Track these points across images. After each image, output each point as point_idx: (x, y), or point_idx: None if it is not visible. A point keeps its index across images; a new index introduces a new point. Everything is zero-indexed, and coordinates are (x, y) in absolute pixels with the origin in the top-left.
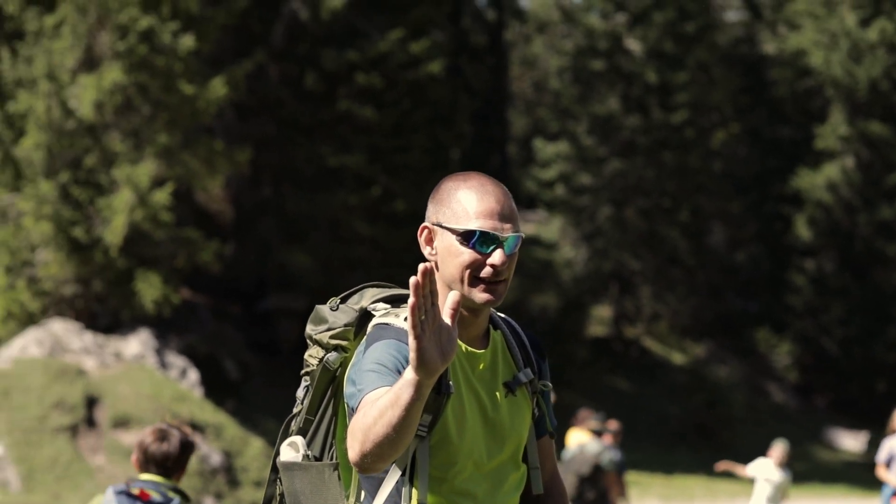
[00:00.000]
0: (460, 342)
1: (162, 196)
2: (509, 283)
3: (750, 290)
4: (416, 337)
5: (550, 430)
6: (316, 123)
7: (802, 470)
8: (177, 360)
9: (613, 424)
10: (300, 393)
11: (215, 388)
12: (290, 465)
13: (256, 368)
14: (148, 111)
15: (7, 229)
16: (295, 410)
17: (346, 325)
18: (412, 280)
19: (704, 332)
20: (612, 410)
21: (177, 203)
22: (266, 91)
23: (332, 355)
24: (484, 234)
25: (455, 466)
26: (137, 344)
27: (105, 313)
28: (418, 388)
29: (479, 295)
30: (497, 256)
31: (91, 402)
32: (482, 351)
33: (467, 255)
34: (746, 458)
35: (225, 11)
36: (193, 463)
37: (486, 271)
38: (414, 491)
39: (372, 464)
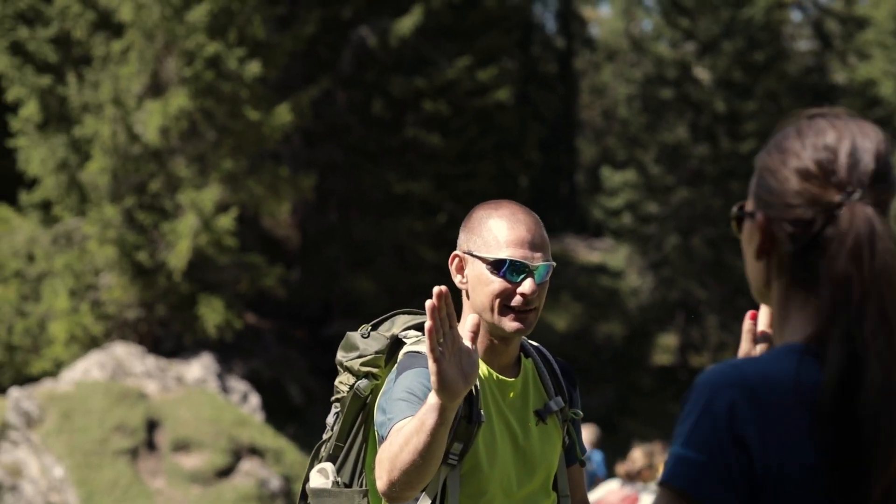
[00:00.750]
0: (491, 370)
1: (226, 221)
2: (539, 312)
3: None
4: (436, 360)
5: (581, 458)
6: (383, 150)
7: None
8: (238, 385)
9: None
10: (330, 419)
11: (279, 413)
12: (320, 492)
13: (320, 394)
14: (213, 137)
15: (72, 253)
16: (325, 436)
17: (376, 353)
18: (428, 303)
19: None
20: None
21: (243, 228)
22: (333, 117)
23: (363, 382)
24: (514, 263)
25: (486, 495)
26: (199, 368)
27: (168, 337)
28: (442, 412)
29: (510, 324)
30: (527, 285)
31: (152, 426)
32: (513, 379)
33: (497, 283)
34: None
35: (292, 38)
36: (252, 487)
37: (517, 300)
38: None
39: (400, 492)
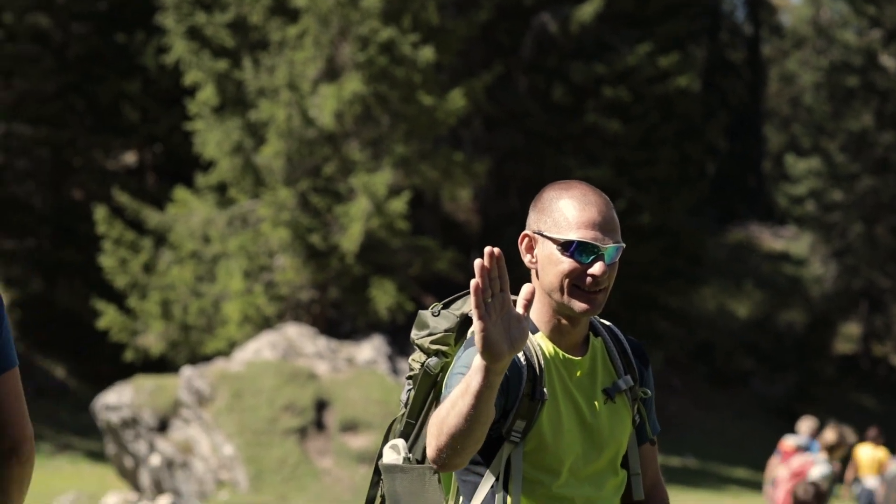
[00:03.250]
0: (558, 349)
1: (398, 205)
2: (608, 293)
3: None
4: (480, 317)
5: (651, 436)
6: (563, 136)
7: None
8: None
9: None
10: (403, 396)
11: None
12: (392, 468)
13: None
14: (387, 121)
15: (246, 235)
16: (399, 413)
17: (446, 331)
18: (477, 262)
19: None
20: (858, 429)
21: (423, 212)
22: (514, 103)
23: (433, 360)
24: (584, 245)
25: (551, 472)
26: (370, 349)
27: (342, 319)
28: (486, 374)
29: (578, 304)
30: (597, 267)
31: (321, 406)
32: (580, 358)
33: (567, 264)
34: None
35: (466, 24)
36: None
37: (586, 281)
38: (508, 497)
39: (448, 459)
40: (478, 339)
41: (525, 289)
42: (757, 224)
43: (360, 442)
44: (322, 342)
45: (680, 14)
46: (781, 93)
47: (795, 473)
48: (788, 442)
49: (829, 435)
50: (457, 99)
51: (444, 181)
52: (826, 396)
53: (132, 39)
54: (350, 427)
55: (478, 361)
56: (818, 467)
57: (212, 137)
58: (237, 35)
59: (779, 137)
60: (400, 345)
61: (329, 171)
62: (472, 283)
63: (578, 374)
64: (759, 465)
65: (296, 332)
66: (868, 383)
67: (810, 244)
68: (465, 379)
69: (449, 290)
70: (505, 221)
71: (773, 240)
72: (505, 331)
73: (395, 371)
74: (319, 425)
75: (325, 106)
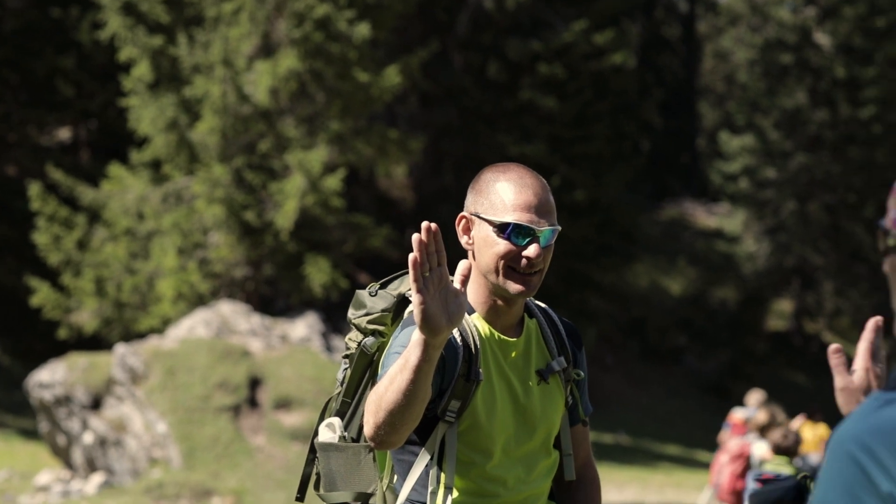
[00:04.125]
0: (493, 330)
1: (333, 182)
2: (543, 275)
3: None
4: (419, 291)
5: (584, 417)
6: (498, 112)
7: None
8: (342, 344)
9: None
10: (339, 375)
11: None
12: (327, 446)
13: None
14: (322, 98)
15: (180, 211)
16: (335, 392)
17: (383, 311)
18: (414, 236)
19: (887, 328)
20: (790, 405)
21: (357, 189)
22: (450, 80)
23: (370, 340)
24: (520, 227)
25: (484, 452)
26: (304, 327)
27: (276, 296)
28: (425, 348)
29: (513, 286)
30: (532, 249)
31: (254, 384)
32: (515, 339)
33: (503, 245)
34: None
35: (402, 0)
36: None
37: (521, 263)
38: (442, 475)
39: (386, 436)
40: (416, 312)
41: (462, 264)
42: (690, 201)
43: (293, 419)
44: (256, 319)
45: None
46: (716, 70)
47: (735, 456)
48: (737, 414)
49: (760, 416)
50: (392, 76)
51: (380, 158)
52: (758, 373)
53: (67, 14)
54: (283, 404)
55: (416, 336)
56: (758, 445)
57: (146, 114)
58: (172, 11)
59: (713, 114)
60: (334, 322)
61: (264, 148)
62: (410, 257)
63: (513, 355)
64: (692, 441)
65: (229, 310)
66: (800, 360)
67: (743, 221)
68: (404, 354)
69: (383, 267)
70: (439, 198)
71: (707, 217)
72: (443, 305)
73: (328, 349)
74: (253, 403)
75: (261, 82)
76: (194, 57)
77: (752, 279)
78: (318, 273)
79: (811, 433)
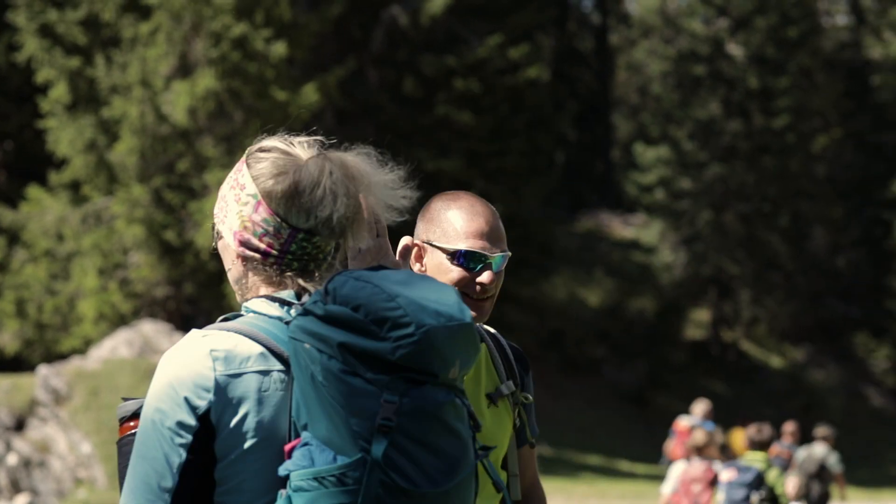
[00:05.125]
0: None
1: None
2: (494, 300)
3: (850, 294)
4: None
5: (531, 439)
6: (414, 128)
7: None
8: None
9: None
10: None
11: None
12: None
13: None
14: (240, 117)
15: (100, 232)
16: None
17: None
18: None
19: (803, 336)
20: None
21: None
22: (365, 96)
23: None
24: (472, 254)
25: None
26: None
27: (195, 314)
28: None
29: None
30: (486, 275)
31: None
32: None
33: (456, 272)
34: (845, 462)
35: (319, 18)
36: None
37: (475, 289)
38: None
39: None
40: None
41: (403, 240)
42: (606, 212)
43: None
44: (178, 338)
45: (529, 5)
46: (629, 81)
47: (707, 484)
48: (683, 423)
49: (698, 436)
50: (310, 94)
51: None
52: (677, 382)
53: None
54: None
55: None
56: (724, 473)
57: (65, 135)
58: (89, 32)
59: (627, 126)
60: None
61: (183, 168)
62: None
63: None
64: (612, 451)
65: (152, 329)
66: (718, 368)
67: (660, 232)
68: None
69: None
70: None
71: (623, 228)
72: None
73: None
74: None
75: (178, 102)
76: (112, 78)
77: (670, 289)
78: None
79: (740, 438)
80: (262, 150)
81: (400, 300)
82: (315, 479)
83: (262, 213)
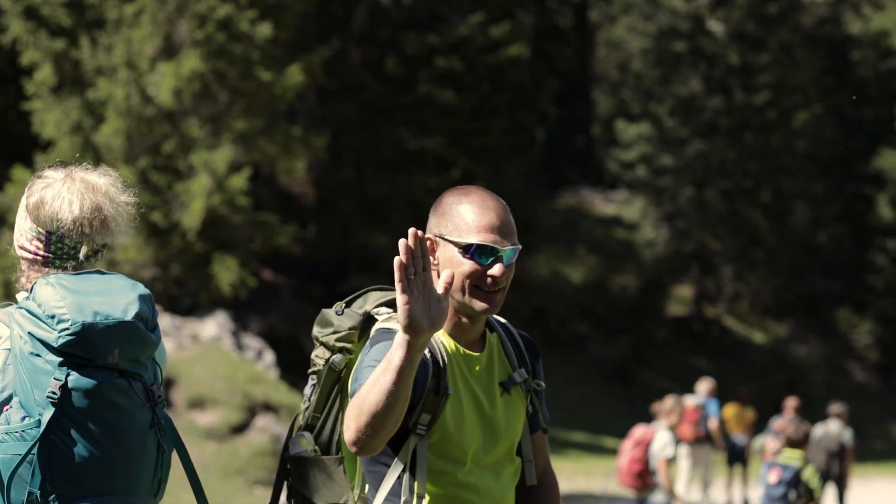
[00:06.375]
0: (458, 346)
1: (239, 181)
2: (506, 292)
3: (831, 269)
4: (403, 291)
5: (543, 425)
6: (397, 107)
7: (882, 448)
8: (253, 342)
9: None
10: (307, 391)
11: (295, 369)
12: (299, 459)
13: None
14: (226, 98)
15: None
16: (302, 407)
17: (350, 329)
18: (401, 241)
19: (785, 311)
20: (691, 390)
21: (259, 186)
22: (348, 75)
23: (338, 357)
24: (484, 247)
25: (455, 462)
26: (214, 326)
27: (184, 296)
28: (408, 349)
29: (479, 304)
30: (497, 268)
31: (167, 384)
32: (478, 354)
33: (468, 265)
34: None
35: None
36: (267, 443)
37: (487, 281)
38: (415, 484)
39: (367, 440)
40: (401, 312)
41: (445, 273)
42: (588, 189)
43: (207, 419)
44: (166, 320)
45: None
46: (609, 58)
47: (637, 441)
48: (688, 402)
49: (667, 402)
50: (295, 74)
51: (284, 156)
52: (660, 359)
53: None
54: (197, 404)
55: (399, 338)
56: (661, 434)
57: (50, 117)
58: (74, 14)
59: (608, 103)
60: (243, 321)
61: (169, 149)
62: (396, 259)
63: (477, 368)
64: (597, 428)
65: None
66: (701, 344)
67: (641, 208)
68: (387, 357)
69: (289, 264)
70: (340, 193)
71: (605, 204)
72: (426, 308)
73: (239, 347)
74: (167, 403)
75: (164, 84)
76: (97, 60)
77: (652, 266)
78: (226, 272)
79: (738, 414)
80: (37, 177)
81: (66, 301)
82: (6, 433)
83: (28, 223)
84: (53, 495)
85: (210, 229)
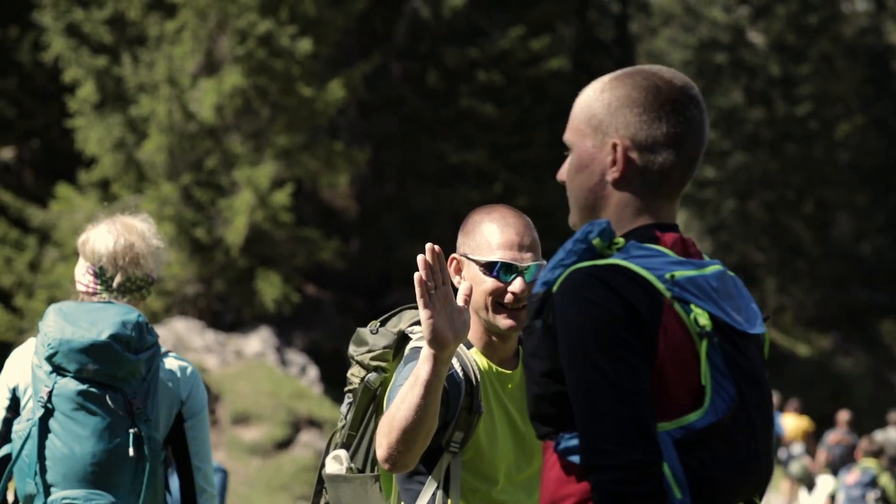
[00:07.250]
0: (491, 364)
1: (282, 196)
2: None
3: (876, 281)
4: (425, 306)
5: None
6: (438, 121)
7: None
8: (297, 358)
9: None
10: (343, 409)
11: (339, 384)
12: (335, 477)
13: None
14: (267, 113)
15: None
16: (339, 425)
17: (385, 348)
18: (419, 257)
19: (830, 323)
20: None
21: (301, 201)
22: (388, 89)
23: (373, 375)
24: (505, 265)
25: (488, 479)
26: (258, 342)
27: (227, 312)
28: (434, 363)
29: (503, 321)
30: (517, 284)
31: (212, 400)
32: (511, 371)
33: (490, 283)
34: None
35: (343, 14)
36: (311, 459)
37: (508, 298)
38: (448, 501)
39: (399, 456)
40: (425, 327)
41: (463, 286)
42: None
43: (252, 434)
44: (210, 336)
45: None
46: None
47: None
48: None
49: None
50: (336, 89)
51: (326, 171)
52: None
53: (6, 35)
54: (242, 419)
55: (425, 352)
56: None
57: (93, 134)
58: (115, 31)
59: None
60: (286, 336)
61: (211, 165)
62: (416, 276)
63: (510, 386)
64: None
65: (184, 327)
66: None
67: (684, 221)
68: (414, 372)
69: (332, 278)
70: (382, 207)
71: None
72: (449, 321)
73: (283, 362)
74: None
75: (205, 100)
76: (139, 76)
77: None
78: (269, 288)
79: (795, 424)
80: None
81: (56, 324)
82: (16, 432)
83: (81, 260)
84: (44, 485)
85: (253, 245)
